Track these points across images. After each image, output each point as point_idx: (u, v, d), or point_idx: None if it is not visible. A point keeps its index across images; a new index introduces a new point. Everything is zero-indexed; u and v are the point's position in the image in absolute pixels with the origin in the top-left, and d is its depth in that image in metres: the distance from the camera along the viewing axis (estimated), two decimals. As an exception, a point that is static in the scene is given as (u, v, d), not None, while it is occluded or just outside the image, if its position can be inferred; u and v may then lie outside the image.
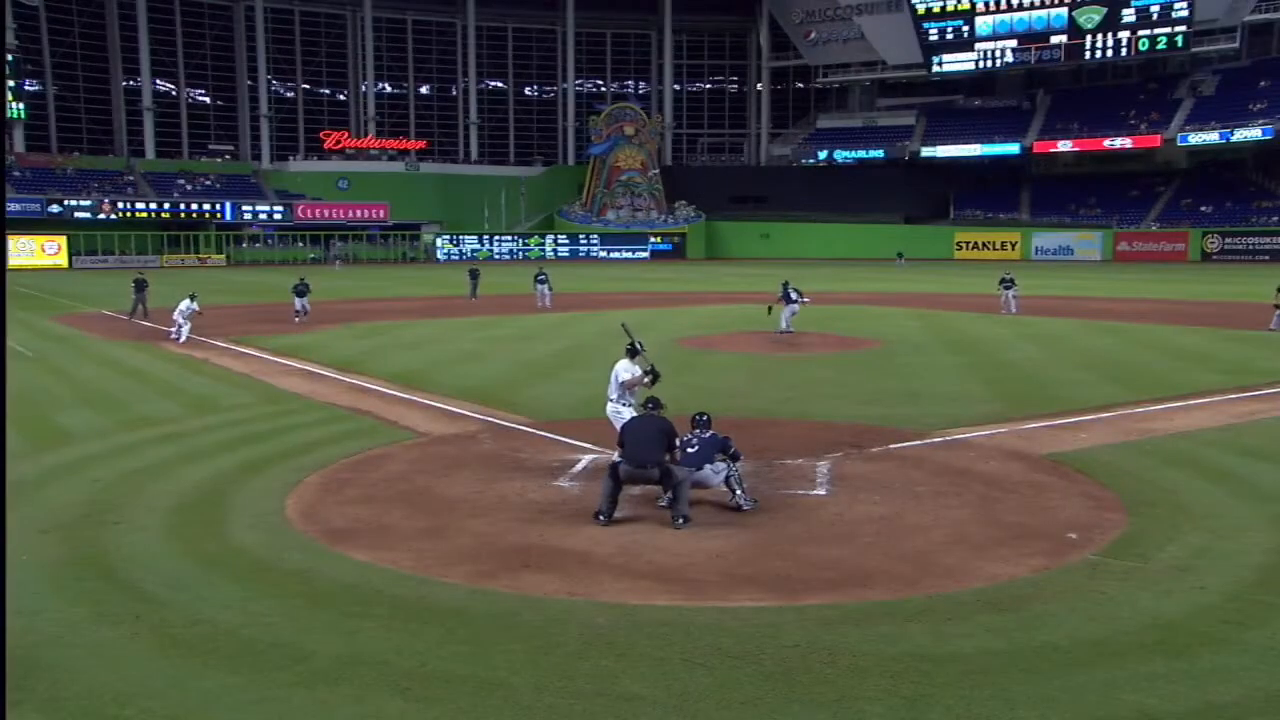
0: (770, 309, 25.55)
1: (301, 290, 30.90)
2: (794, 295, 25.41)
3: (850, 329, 27.58)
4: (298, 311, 30.24)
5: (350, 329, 28.50)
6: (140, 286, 31.82)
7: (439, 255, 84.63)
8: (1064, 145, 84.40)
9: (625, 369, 11.82)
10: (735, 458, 10.17)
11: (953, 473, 11.46)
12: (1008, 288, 32.88)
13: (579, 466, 11.86)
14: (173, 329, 25.43)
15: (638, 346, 12.03)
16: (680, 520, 9.42)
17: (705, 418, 10.42)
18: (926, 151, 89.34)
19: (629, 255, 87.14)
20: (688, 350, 23.03)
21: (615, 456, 9.97)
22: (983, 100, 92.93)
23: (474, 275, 41.24)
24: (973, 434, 13.60)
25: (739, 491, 10.02)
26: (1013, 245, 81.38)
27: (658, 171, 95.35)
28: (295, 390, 17.77)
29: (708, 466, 9.96)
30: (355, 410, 15.72)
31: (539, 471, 11.67)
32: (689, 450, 10.03)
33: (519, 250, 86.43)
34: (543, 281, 36.41)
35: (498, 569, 8.31)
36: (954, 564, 8.40)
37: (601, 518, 9.52)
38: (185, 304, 25.40)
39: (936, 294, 42.28)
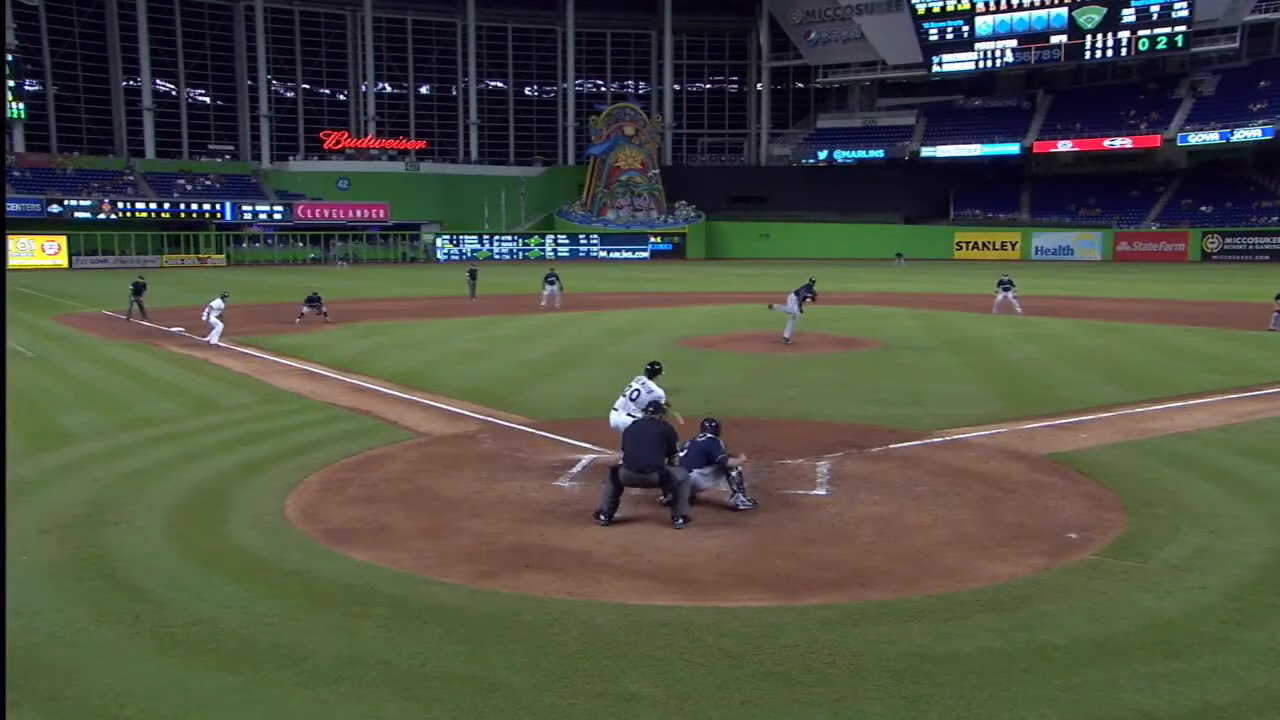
0: (771, 306, 25.24)
1: (312, 301, 30.78)
2: (799, 301, 24.26)
3: (850, 329, 27.57)
4: (301, 314, 30.11)
5: (350, 329, 28.50)
6: (138, 290, 31.61)
7: (439, 255, 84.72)
8: (1064, 145, 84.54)
9: (646, 389, 11.59)
10: (723, 464, 9.99)
11: (953, 473, 11.45)
12: (1006, 289, 32.77)
13: (579, 466, 11.85)
14: (209, 334, 24.02)
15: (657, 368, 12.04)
16: (680, 520, 9.42)
17: (715, 424, 10.42)
18: (926, 151, 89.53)
19: (629, 255, 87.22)
20: (687, 350, 23.03)
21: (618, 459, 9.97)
22: (983, 100, 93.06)
23: (473, 275, 41.48)
24: (973, 434, 13.59)
25: (737, 491, 10.01)
26: (1013, 245, 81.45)
27: (658, 171, 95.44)
28: (295, 390, 17.77)
29: (696, 471, 9.96)
30: (355, 410, 15.71)
31: (539, 471, 11.66)
32: (680, 454, 10.07)
33: (519, 250, 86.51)
34: (553, 282, 36.38)
35: (498, 569, 8.31)
36: (954, 564, 8.40)
37: (602, 518, 9.53)
38: (216, 302, 24.38)
39: (936, 294, 42.29)
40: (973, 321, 29.85)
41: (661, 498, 10.04)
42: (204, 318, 24.55)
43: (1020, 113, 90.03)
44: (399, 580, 8.06)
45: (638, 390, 11.60)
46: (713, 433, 10.27)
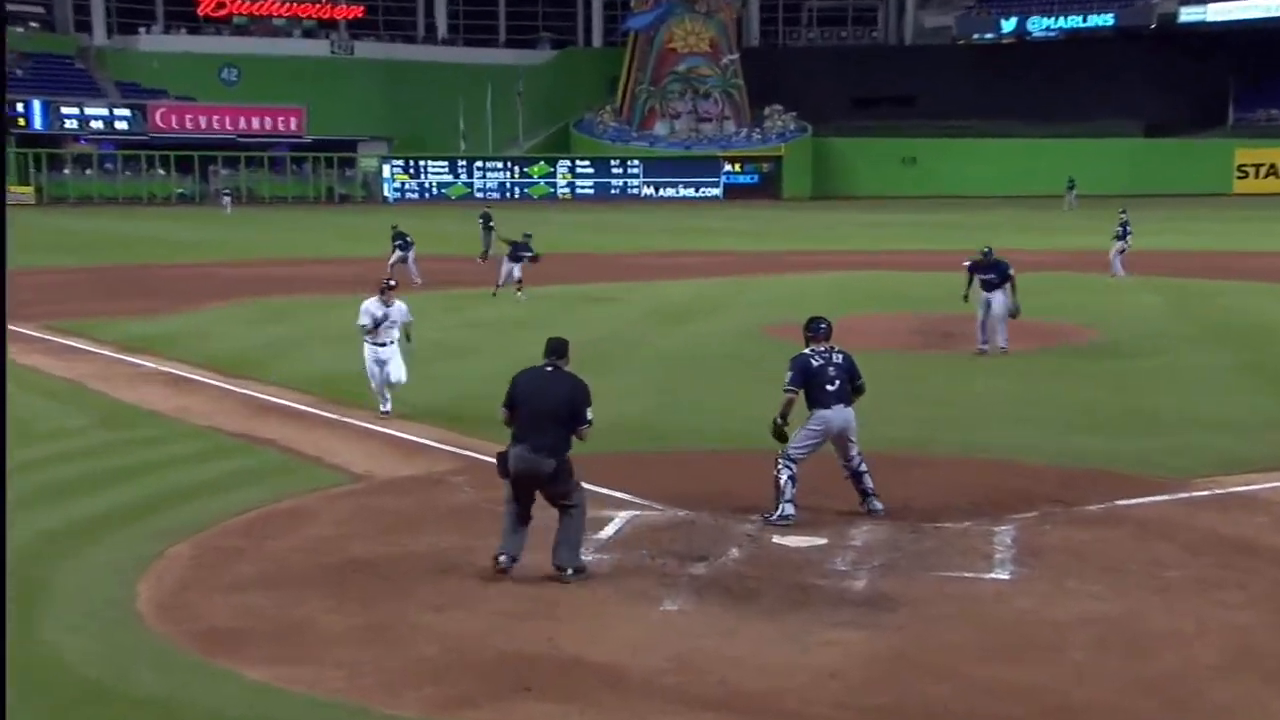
0: (967, 296, 23.94)
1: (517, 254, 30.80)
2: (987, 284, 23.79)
3: (1046, 308, 27.22)
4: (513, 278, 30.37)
5: (241, 308, 28.77)
6: None
7: (387, 193, 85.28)
8: None
9: None
10: (860, 390, 12.21)
11: (1228, 548, 11.38)
12: (1120, 235, 33.17)
13: (610, 528, 11.87)
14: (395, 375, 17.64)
15: None
16: (570, 572, 10.03)
17: (826, 326, 12.01)
18: (1188, 13, 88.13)
19: (690, 193, 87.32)
20: (779, 342, 22.87)
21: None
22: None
23: (486, 222, 41.02)
24: (1261, 485, 13.50)
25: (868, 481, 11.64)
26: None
27: (736, 58, 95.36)
28: (154, 407, 17.99)
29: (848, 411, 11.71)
30: (250, 438, 15.89)
31: (545, 536, 11.68)
32: (828, 388, 11.61)
33: (513, 184, 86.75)
34: (403, 247, 35.16)
35: (478, 693, 8.36)
36: (1235, 701, 8.32)
37: (502, 559, 10.12)
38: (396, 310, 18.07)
39: (1200, 252, 41.85)
40: (1258, 296, 29.50)
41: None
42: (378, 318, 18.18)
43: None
44: (319, 713, 8.12)
45: None
46: (827, 336, 11.97)
